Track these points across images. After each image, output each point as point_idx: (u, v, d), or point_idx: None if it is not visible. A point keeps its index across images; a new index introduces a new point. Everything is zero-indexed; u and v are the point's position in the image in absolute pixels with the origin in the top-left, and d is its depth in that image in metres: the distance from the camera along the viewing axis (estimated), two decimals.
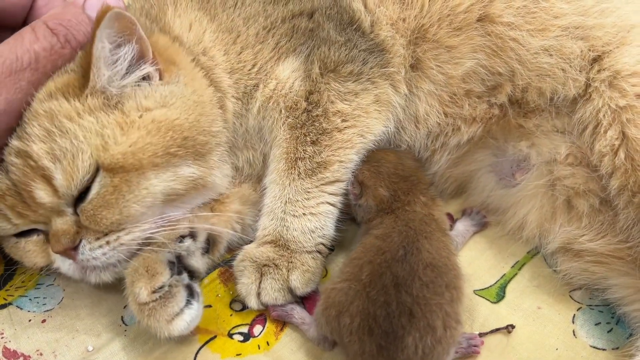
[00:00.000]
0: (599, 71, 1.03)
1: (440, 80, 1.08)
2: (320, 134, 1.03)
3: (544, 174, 1.09)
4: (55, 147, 0.89)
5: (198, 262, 1.04)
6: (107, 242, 0.93)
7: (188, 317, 0.93)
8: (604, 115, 1.00)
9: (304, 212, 1.02)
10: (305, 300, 1.04)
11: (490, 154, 1.15)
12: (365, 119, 1.05)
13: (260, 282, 1.00)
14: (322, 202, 1.03)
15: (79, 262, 0.94)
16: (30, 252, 0.98)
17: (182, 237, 1.00)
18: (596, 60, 1.04)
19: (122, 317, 1.03)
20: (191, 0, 1.08)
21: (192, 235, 1.02)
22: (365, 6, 1.08)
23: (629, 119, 0.98)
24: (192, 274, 1.02)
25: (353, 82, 1.04)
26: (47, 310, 1.04)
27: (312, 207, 1.03)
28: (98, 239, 0.92)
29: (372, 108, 1.05)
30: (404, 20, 1.07)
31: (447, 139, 1.14)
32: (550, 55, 1.04)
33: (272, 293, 1.00)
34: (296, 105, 1.04)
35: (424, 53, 1.07)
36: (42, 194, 0.90)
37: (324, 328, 0.92)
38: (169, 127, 0.94)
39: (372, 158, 1.09)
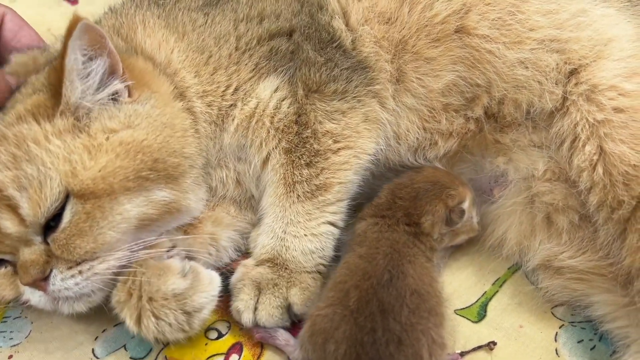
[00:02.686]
0: (576, 84, 1.01)
1: (421, 93, 1.06)
2: (313, 155, 1.01)
3: (522, 190, 1.07)
4: (21, 175, 0.86)
5: None
6: (80, 272, 0.89)
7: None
8: (582, 129, 0.99)
9: (305, 233, 1.01)
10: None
11: (469, 170, 1.13)
12: (358, 139, 1.03)
13: (258, 298, 0.98)
14: (324, 222, 1.02)
15: (50, 293, 0.90)
16: (1, 281, 0.93)
17: None
18: (573, 73, 1.03)
19: (92, 350, 0.99)
20: (158, 17, 1.05)
21: None
22: (347, 24, 1.05)
23: (607, 133, 0.96)
24: None
25: (338, 100, 1.02)
26: (14, 345, 1.00)
27: (314, 227, 1.01)
28: (70, 268, 0.88)
29: (362, 127, 1.03)
30: (388, 38, 1.05)
31: (424, 152, 1.12)
32: (526, 67, 1.02)
33: (270, 309, 0.97)
34: (288, 128, 1.02)
35: (406, 64, 1.05)
36: (8, 224, 0.86)
37: (311, 355, 0.89)
38: (137, 149, 0.91)
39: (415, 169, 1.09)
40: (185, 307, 0.92)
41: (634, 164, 0.93)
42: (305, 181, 1.01)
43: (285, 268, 1.00)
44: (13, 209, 0.86)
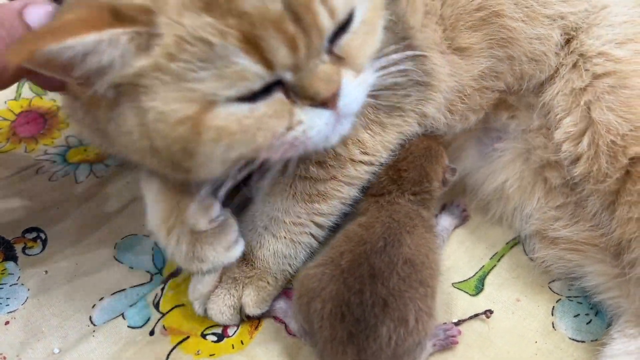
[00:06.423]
0: (570, 53, 1.02)
1: (455, 87, 1.03)
2: (330, 157, 0.94)
3: (520, 141, 1.07)
4: None
5: None
6: (362, 82, 0.80)
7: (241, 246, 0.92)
8: (564, 98, 1.00)
9: (284, 236, 0.96)
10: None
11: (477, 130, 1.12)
12: (383, 154, 0.98)
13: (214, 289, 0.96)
14: (306, 233, 0.97)
15: (338, 109, 0.77)
16: (275, 112, 0.75)
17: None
18: (567, 42, 1.03)
19: (90, 317, 0.99)
20: None
21: None
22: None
23: (591, 100, 0.96)
24: None
25: (385, 113, 0.94)
26: (11, 312, 0.99)
27: (295, 234, 0.97)
28: (355, 77, 0.79)
29: (393, 144, 0.98)
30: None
31: (453, 129, 1.09)
32: (541, 42, 1.02)
33: (223, 308, 0.95)
34: None
35: None
36: (326, 19, 0.71)
37: (297, 316, 0.90)
38: None
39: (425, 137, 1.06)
40: None
41: (622, 133, 0.92)
42: (309, 180, 0.94)
43: (252, 265, 0.96)
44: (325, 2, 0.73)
